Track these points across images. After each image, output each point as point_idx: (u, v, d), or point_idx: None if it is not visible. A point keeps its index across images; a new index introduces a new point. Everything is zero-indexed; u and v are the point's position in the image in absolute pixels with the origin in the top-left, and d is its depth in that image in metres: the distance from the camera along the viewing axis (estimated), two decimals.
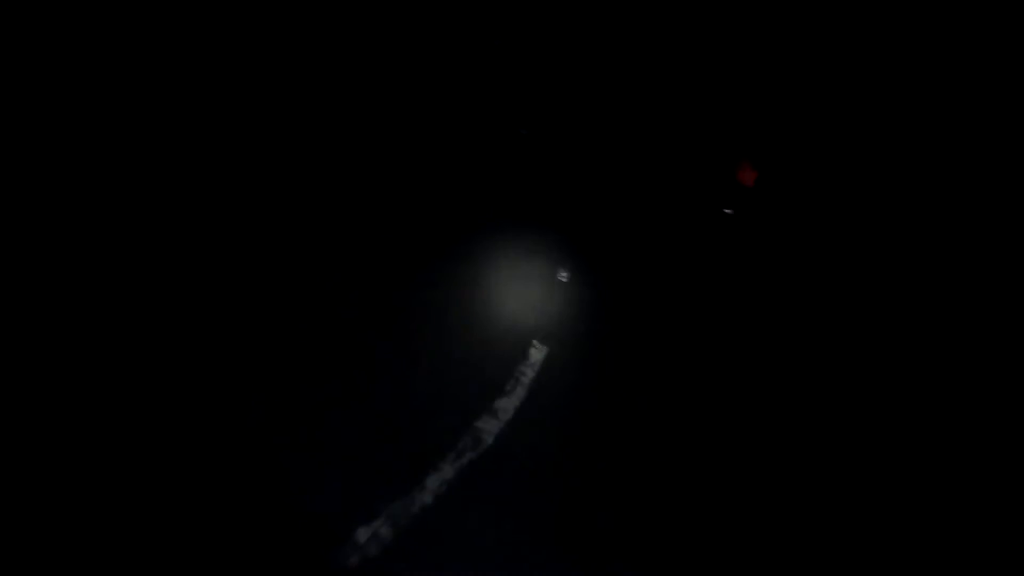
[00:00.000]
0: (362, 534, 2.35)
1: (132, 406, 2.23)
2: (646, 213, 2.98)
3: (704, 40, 2.60)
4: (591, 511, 2.49)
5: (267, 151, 2.62)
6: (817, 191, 2.76)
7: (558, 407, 2.60)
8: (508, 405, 2.57)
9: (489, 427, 2.54)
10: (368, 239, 2.61)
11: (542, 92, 2.73)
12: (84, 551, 1.96)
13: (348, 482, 2.40)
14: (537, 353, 2.60)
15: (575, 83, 2.75)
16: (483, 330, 2.58)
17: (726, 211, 2.84)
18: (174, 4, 2.55)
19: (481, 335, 2.58)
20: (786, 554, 2.37)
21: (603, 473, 2.54)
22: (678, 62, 2.67)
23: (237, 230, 2.57)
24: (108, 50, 2.42)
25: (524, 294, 2.63)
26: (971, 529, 2.26)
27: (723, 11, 2.57)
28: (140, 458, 2.17)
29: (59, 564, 1.91)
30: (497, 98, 2.75)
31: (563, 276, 2.59)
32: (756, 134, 2.78)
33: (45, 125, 2.33)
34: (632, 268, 2.89)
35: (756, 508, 2.43)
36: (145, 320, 2.36)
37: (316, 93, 2.66)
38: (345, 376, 2.51)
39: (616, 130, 2.87)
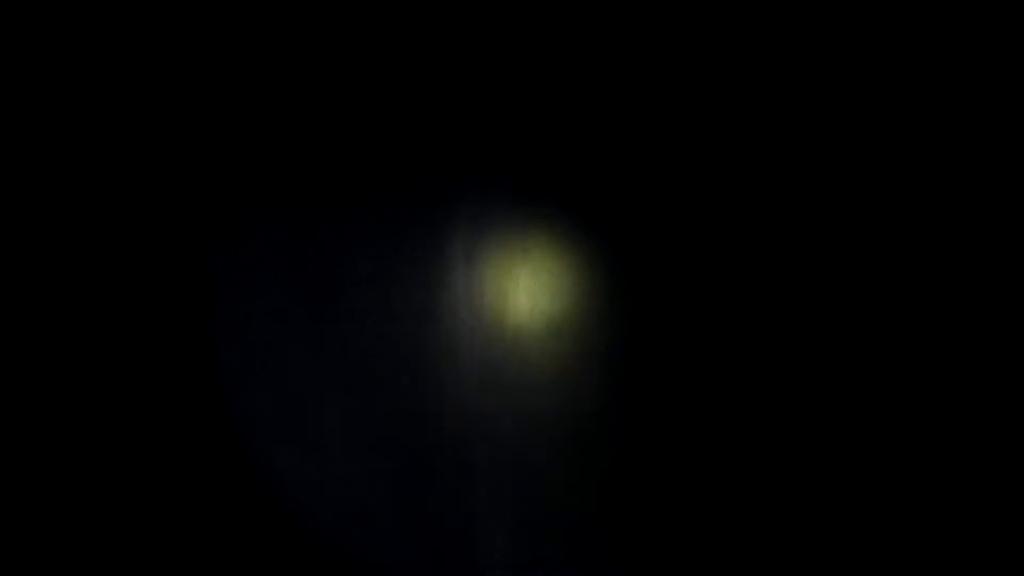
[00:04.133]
0: (360, 534, 2.36)
1: (124, 405, 2.24)
2: None
3: None
4: (594, 511, 2.49)
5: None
6: None
7: (557, 399, 2.60)
8: (507, 398, 2.57)
9: (489, 423, 2.54)
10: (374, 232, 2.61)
11: None
12: (80, 551, 1.97)
13: (345, 481, 2.40)
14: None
15: None
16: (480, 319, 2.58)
17: None
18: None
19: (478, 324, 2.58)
20: (789, 555, 2.37)
21: (607, 472, 2.53)
22: None
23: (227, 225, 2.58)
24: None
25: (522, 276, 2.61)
26: (971, 529, 2.24)
27: None
28: (133, 458, 2.18)
29: (58, 564, 1.92)
30: None
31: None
32: None
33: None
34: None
35: (760, 508, 2.43)
36: (132, 315, 2.36)
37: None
38: (341, 374, 2.51)
39: None
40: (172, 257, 2.41)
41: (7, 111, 2.24)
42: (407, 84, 2.56)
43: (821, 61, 2.31)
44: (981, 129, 2.25)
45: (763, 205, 2.36)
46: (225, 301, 2.47)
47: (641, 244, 2.53)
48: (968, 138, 2.26)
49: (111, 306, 2.29)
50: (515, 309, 2.60)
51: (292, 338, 2.50)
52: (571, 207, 2.59)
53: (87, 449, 2.11)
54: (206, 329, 2.45)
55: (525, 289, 2.60)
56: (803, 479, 2.39)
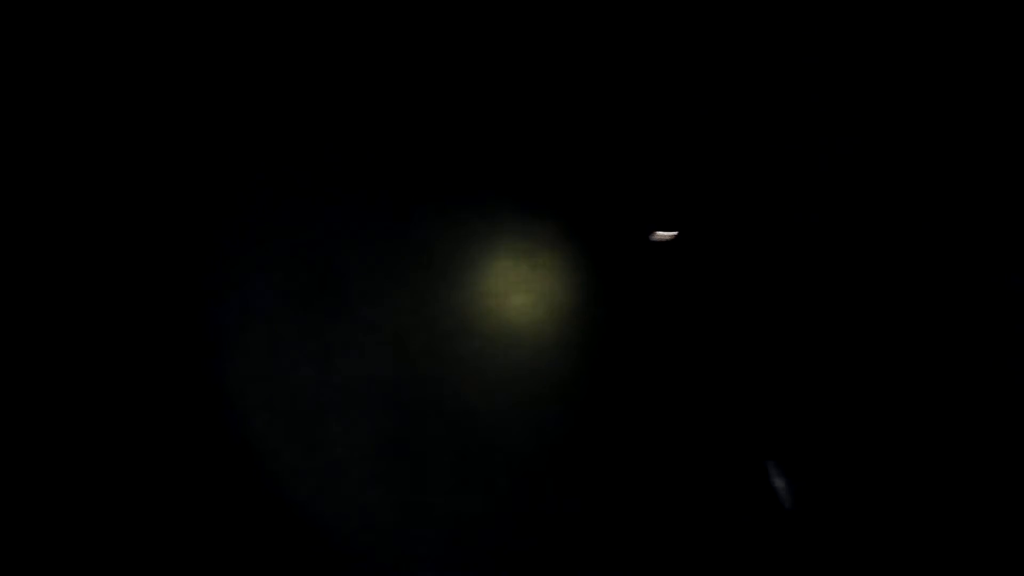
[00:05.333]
0: (360, 536, 2.36)
1: (131, 407, 2.24)
2: None
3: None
4: (589, 511, 2.48)
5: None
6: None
7: (555, 402, 2.59)
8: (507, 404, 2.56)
9: (490, 426, 2.54)
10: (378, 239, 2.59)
11: None
12: (81, 552, 1.97)
13: (346, 483, 2.40)
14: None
15: None
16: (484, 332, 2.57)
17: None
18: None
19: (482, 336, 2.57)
20: (785, 554, 2.36)
21: (602, 472, 2.53)
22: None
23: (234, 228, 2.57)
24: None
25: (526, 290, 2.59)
26: (971, 529, 2.23)
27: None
28: (139, 460, 2.17)
29: (58, 564, 1.92)
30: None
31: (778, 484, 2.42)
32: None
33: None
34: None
35: (756, 509, 2.42)
36: (137, 318, 2.35)
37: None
38: (342, 378, 2.51)
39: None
40: (173, 258, 2.40)
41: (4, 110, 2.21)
42: (415, 97, 2.53)
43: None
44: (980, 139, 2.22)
45: (773, 207, 2.33)
46: (226, 303, 2.46)
47: (647, 245, 2.51)
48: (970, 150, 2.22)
49: (112, 308, 2.29)
50: (515, 311, 2.59)
51: (292, 339, 2.50)
52: (573, 210, 2.58)
53: (88, 448, 2.10)
54: (207, 330, 2.44)
55: (525, 292, 2.59)
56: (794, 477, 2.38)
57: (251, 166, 2.50)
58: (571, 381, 2.56)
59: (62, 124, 2.28)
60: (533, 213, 2.59)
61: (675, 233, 2.11)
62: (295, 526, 2.31)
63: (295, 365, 2.47)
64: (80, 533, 2.00)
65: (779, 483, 2.31)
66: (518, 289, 2.60)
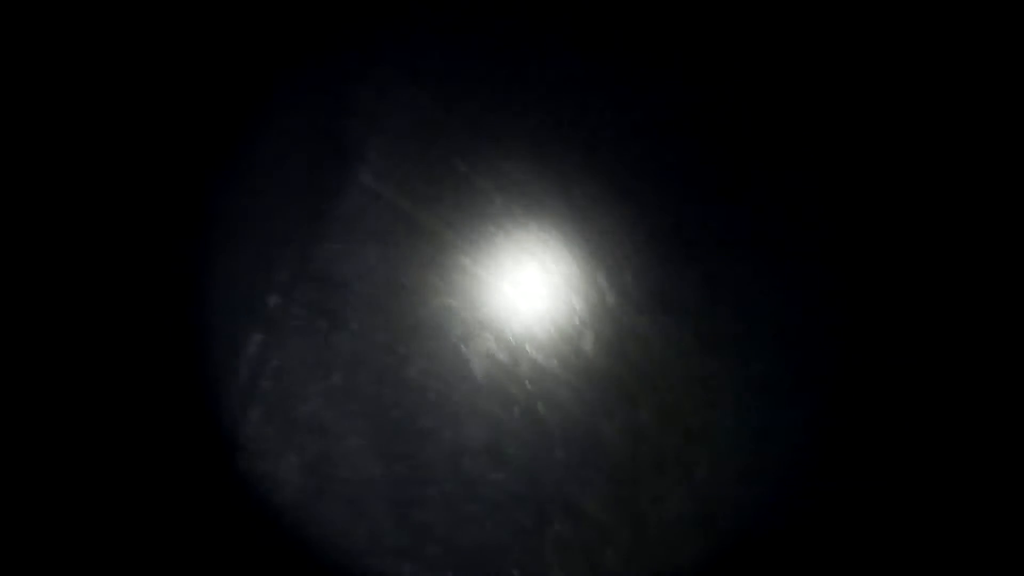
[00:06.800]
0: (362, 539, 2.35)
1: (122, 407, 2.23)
2: None
3: None
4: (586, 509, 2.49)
5: None
6: None
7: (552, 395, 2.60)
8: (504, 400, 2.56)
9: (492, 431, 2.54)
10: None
11: None
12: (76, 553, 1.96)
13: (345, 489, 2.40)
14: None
15: None
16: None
17: None
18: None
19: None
20: (787, 553, 2.38)
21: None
22: None
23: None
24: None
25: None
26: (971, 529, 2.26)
27: None
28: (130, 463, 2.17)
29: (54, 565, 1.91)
30: None
31: None
32: None
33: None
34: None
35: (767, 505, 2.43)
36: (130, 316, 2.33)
37: None
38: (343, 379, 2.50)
39: None
40: (164, 256, 2.37)
41: None
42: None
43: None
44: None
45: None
46: (219, 299, 2.45)
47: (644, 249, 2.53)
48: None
49: (100, 305, 2.26)
50: (518, 318, 2.59)
51: (288, 342, 2.49)
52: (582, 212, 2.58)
53: (79, 450, 2.09)
54: (199, 331, 2.43)
55: (528, 296, 2.60)
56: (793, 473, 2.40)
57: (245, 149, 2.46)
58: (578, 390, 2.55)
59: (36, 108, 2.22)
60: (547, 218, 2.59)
61: None
62: (290, 539, 2.29)
63: (293, 367, 2.44)
64: (63, 535, 1.98)
65: None
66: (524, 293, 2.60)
